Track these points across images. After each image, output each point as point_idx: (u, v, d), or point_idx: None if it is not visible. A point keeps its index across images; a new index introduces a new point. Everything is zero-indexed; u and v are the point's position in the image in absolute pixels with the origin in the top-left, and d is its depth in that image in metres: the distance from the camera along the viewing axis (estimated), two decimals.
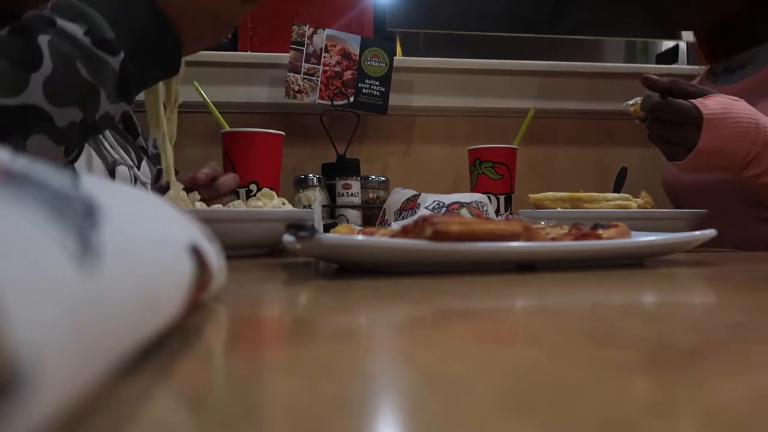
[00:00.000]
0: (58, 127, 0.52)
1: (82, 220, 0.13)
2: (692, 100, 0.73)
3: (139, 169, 0.80)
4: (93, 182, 0.16)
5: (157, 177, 0.88)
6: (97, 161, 0.73)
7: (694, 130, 0.72)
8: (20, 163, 0.13)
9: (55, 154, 0.54)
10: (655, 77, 0.77)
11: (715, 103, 0.72)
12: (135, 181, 0.78)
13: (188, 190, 0.69)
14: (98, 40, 0.53)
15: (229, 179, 0.82)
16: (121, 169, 0.76)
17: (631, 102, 0.79)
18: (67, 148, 0.55)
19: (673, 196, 1.05)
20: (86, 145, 0.71)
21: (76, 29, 0.52)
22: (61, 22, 0.52)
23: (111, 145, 0.76)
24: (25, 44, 0.51)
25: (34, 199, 0.12)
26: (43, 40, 0.51)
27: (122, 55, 0.54)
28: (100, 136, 0.74)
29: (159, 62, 0.59)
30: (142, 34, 0.56)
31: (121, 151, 0.77)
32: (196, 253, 0.23)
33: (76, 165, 0.61)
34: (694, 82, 1.06)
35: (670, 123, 0.74)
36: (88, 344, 0.12)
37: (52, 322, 0.11)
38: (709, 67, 1.06)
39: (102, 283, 0.13)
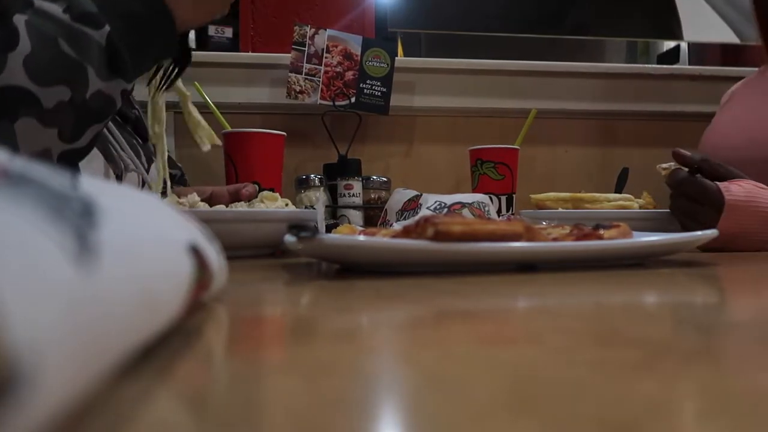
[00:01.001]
0: (46, 108, 0.51)
1: (80, 219, 0.13)
2: (719, 183, 0.73)
3: (147, 173, 0.80)
4: (92, 182, 0.16)
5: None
6: (105, 165, 0.72)
7: (715, 213, 0.71)
8: (18, 163, 0.13)
9: (46, 137, 0.52)
10: (687, 153, 0.76)
11: (740, 189, 0.72)
12: (143, 186, 0.78)
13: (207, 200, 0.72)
14: (78, 15, 0.52)
15: (249, 189, 0.82)
16: (130, 175, 0.75)
17: (664, 165, 0.78)
18: (60, 131, 0.53)
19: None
20: (95, 149, 0.70)
21: (55, 8, 0.51)
22: (39, 2, 0.51)
23: (122, 147, 0.75)
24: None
25: (33, 198, 0.12)
26: (20, 19, 0.50)
27: (107, 28, 0.53)
28: (111, 138, 0.73)
29: (152, 36, 0.57)
30: (128, 5, 0.54)
31: (131, 154, 0.76)
32: (196, 252, 0.23)
33: (83, 169, 0.60)
34: (743, 80, 1.05)
35: (694, 200, 0.74)
36: (87, 344, 0.12)
37: (51, 321, 0.11)
38: None
39: (101, 282, 0.13)
